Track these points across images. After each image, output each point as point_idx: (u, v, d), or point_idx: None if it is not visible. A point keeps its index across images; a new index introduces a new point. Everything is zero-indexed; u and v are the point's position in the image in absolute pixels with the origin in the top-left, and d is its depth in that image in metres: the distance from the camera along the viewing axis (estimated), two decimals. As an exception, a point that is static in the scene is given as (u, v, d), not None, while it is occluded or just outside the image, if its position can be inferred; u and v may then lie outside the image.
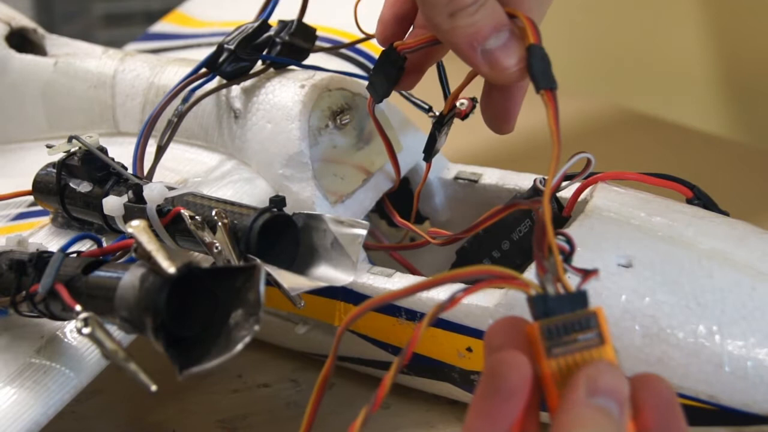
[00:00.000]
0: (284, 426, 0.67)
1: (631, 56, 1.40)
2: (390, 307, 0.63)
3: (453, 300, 0.43)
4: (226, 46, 0.68)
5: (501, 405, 0.40)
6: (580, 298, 0.42)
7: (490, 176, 0.72)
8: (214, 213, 0.57)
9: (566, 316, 0.42)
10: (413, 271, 0.71)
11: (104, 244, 0.58)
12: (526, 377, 0.40)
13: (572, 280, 0.43)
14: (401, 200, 0.74)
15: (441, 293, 0.60)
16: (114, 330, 0.50)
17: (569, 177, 0.62)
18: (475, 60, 0.51)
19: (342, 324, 0.45)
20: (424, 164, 0.72)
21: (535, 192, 0.65)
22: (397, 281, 0.64)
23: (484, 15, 0.50)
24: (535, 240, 0.43)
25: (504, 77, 0.51)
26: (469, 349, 0.60)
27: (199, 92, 0.69)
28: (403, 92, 0.71)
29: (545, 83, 0.49)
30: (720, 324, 0.54)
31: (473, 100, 0.69)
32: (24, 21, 0.85)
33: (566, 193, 0.63)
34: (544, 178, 0.62)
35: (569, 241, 0.44)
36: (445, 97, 0.69)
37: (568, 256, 0.44)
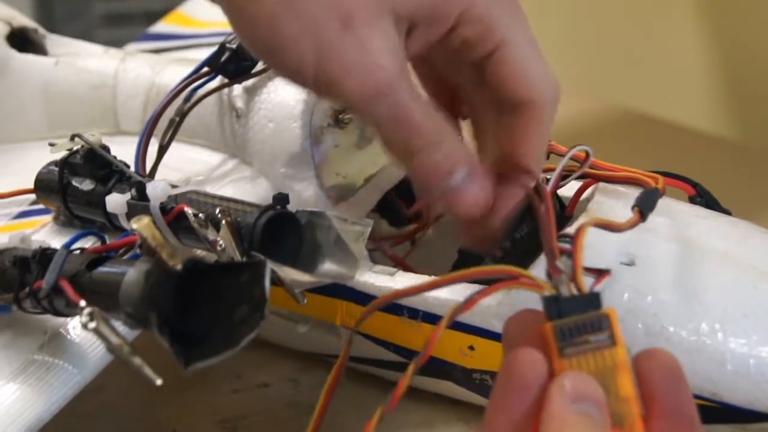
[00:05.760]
0: (284, 426, 0.67)
1: (631, 56, 1.40)
2: (392, 305, 0.63)
3: (470, 301, 0.44)
4: (228, 45, 0.68)
5: (518, 401, 0.42)
6: (593, 299, 0.42)
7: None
8: (217, 211, 0.57)
9: (579, 317, 0.42)
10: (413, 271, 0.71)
11: (107, 242, 0.58)
12: (541, 375, 0.42)
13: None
14: (401, 199, 0.74)
15: (444, 292, 0.60)
16: (118, 326, 0.50)
17: (568, 175, 0.62)
18: (435, 199, 0.51)
19: (355, 322, 0.46)
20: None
21: (535, 191, 0.65)
22: (400, 280, 0.64)
23: (442, 156, 0.49)
24: (544, 241, 0.44)
25: (464, 215, 0.51)
26: (471, 348, 0.60)
27: (200, 91, 0.69)
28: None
29: None
30: (722, 322, 0.54)
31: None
32: (24, 21, 0.85)
33: (568, 192, 0.64)
34: (545, 178, 0.62)
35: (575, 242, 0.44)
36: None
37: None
